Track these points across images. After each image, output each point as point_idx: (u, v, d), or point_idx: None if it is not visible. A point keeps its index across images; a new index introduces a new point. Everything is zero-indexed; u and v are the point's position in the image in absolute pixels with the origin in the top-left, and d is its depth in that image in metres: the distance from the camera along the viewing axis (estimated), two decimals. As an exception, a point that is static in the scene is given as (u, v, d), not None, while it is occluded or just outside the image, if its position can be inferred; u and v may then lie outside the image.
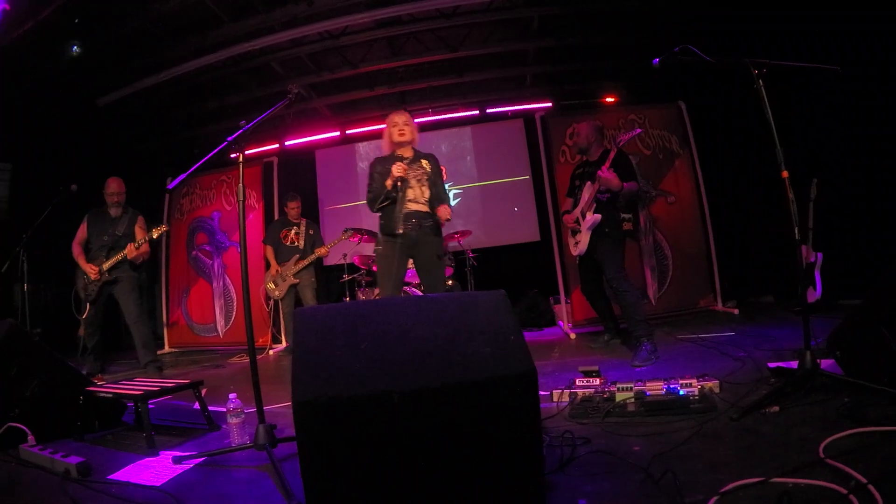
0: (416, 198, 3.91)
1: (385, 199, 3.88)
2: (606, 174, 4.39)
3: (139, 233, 5.60)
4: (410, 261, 4.03)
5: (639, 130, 4.76)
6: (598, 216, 4.52)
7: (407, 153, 4.01)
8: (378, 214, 4.02)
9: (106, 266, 5.41)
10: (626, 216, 4.60)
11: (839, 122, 5.38)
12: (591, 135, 4.87)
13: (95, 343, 5.63)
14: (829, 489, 1.72)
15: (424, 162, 4.00)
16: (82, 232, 5.61)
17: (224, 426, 3.19)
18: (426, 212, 3.93)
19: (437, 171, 4.07)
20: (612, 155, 4.48)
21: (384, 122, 4.09)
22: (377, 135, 3.77)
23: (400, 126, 3.97)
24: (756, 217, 6.45)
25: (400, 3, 6.28)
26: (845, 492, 1.67)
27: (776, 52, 3.32)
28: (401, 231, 3.82)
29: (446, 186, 8.80)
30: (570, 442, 2.43)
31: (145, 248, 5.50)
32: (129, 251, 5.36)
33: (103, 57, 6.14)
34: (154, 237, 5.51)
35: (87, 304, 5.49)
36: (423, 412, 1.81)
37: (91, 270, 5.41)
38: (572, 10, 6.78)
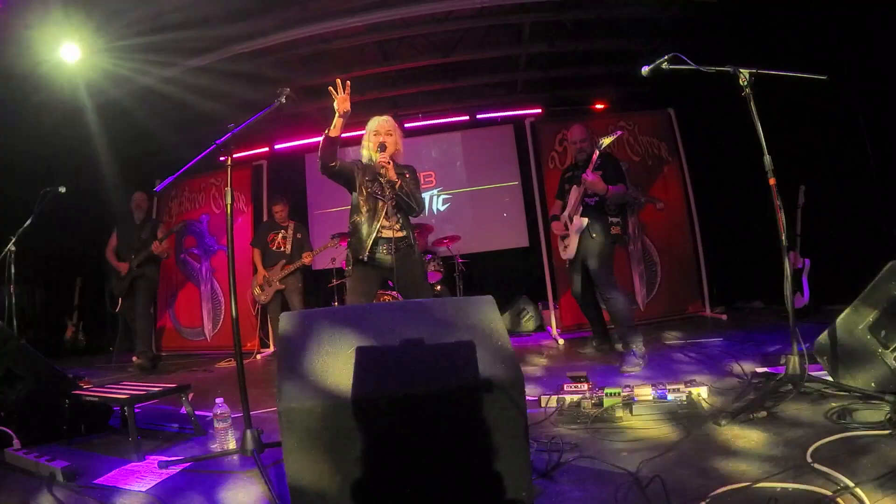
0: (391, 225, 3.53)
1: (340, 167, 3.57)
2: (591, 177, 4.40)
3: (161, 232, 6.50)
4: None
5: (620, 133, 4.76)
6: (585, 220, 4.54)
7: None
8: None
9: (135, 263, 6.30)
10: (615, 220, 4.62)
11: (827, 128, 5.43)
12: (588, 137, 4.90)
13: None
14: (816, 493, 1.73)
15: (400, 181, 3.55)
16: (114, 241, 6.59)
17: (211, 431, 3.17)
18: (401, 236, 3.55)
19: (416, 182, 3.71)
20: (594, 157, 4.50)
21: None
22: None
23: (382, 136, 3.60)
24: (744, 223, 6.48)
25: (393, 7, 6.26)
26: (832, 495, 1.68)
27: (765, 58, 3.34)
28: (366, 258, 3.47)
29: (435, 192, 8.92)
30: (557, 447, 2.44)
31: (166, 244, 6.39)
32: (155, 247, 6.24)
33: (92, 58, 6.09)
34: (175, 229, 6.80)
35: (119, 300, 6.50)
36: (410, 417, 1.81)
37: (122, 268, 6.37)
38: (564, 17, 6.81)
